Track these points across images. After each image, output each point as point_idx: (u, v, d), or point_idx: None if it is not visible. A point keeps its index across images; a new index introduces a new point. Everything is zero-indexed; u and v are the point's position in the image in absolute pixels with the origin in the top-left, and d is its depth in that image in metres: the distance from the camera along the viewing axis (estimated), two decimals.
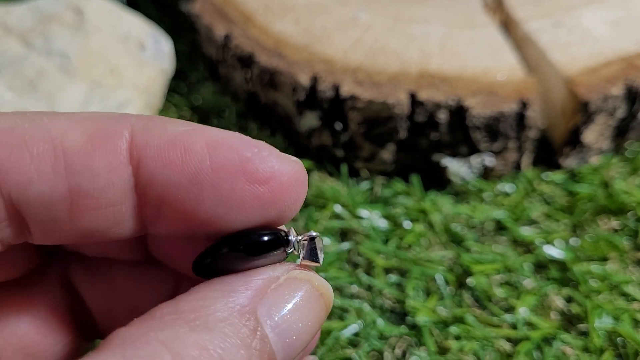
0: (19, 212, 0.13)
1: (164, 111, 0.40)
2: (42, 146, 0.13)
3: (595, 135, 0.34)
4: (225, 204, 0.13)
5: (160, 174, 0.13)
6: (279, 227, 0.14)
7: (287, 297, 0.14)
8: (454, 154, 0.34)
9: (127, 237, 0.14)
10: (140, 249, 0.18)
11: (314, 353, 0.28)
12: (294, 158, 0.14)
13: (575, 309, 0.30)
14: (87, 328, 0.19)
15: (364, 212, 0.33)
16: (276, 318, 0.13)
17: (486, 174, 0.35)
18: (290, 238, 0.14)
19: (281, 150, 0.14)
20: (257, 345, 0.13)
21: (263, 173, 0.13)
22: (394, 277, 0.31)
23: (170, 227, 0.14)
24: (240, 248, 0.13)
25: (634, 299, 0.30)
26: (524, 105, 0.32)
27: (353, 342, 0.29)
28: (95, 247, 0.18)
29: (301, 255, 0.14)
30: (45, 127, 0.13)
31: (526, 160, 0.35)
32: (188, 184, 0.13)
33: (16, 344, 0.17)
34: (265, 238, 0.13)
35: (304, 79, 0.33)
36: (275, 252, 0.14)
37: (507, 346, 0.29)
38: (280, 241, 0.14)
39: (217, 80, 0.42)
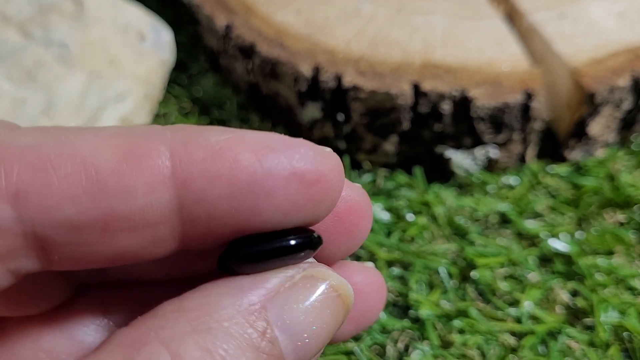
0: (42, 239, 0.12)
1: (164, 102, 0.40)
2: (71, 166, 0.12)
3: (601, 127, 0.34)
4: (281, 210, 0.13)
5: (210, 190, 0.12)
6: (309, 227, 0.14)
7: (301, 296, 0.13)
8: (458, 146, 0.33)
9: (162, 255, 0.14)
10: (177, 268, 0.17)
11: None
12: (329, 149, 0.14)
13: (580, 302, 0.29)
14: None
15: None
16: (288, 319, 0.13)
17: (490, 166, 0.34)
18: (318, 238, 0.14)
19: None
20: (265, 348, 0.12)
21: (314, 173, 0.13)
22: (396, 270, 0.31)
23: (219, 240, 0.13)
24: (266, 251, 0.13)
25: None
26: (529, 96, 0.32)
27: (355, 336, 0.28)
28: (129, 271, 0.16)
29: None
30: (72, 144, 0.12)
31: (531, 153, 0.35)
32: (242, 195, 0.12)
33: None
34: (293, 242, 0.13)
35: (306, 70, 0.33)
36: (302, 254, 0.13)
37: (511, 340, 0.28)
38: (311, 243, 0.13)
39: (218, 72, 0.42)
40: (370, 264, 0.16)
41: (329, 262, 0.15)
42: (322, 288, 0.13)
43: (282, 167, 0.12)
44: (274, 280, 0.13)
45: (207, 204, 0.12)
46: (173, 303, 0.12)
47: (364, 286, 0.16)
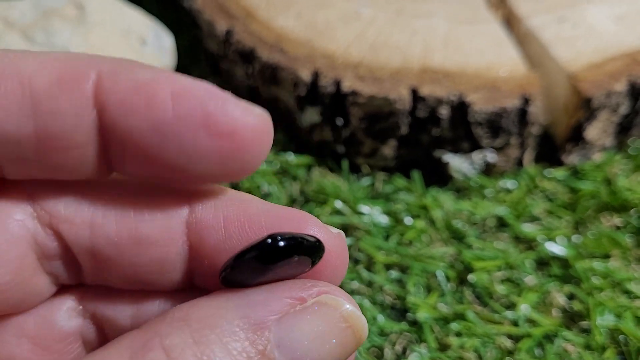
0: None
1: None
2: (11, 84, 0.13)
3: (598, 131, 0.34)
4: (186, 155, 0.13)
5: (124, 120, 0.13)
6: (308, 233, 0.13)
7: (309, 322, 0.13)
8: (456, 150, 0.34)
9: (92, 177, 0.14)
10: (184, 279, 0.16)
11: None
12: (260, 110, 0.13)
13: (577, 306, 0.30)
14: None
15: (364, 208, 0.33)
16: (291, 343, 0.12)
17: (488, 170, 0.34)
18: (316, 243, 0.13)
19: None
20: None
21: (225, 126, 0.13)
22: (394, 274, 0.31)
23: (135, 170, 0.14)
24: (255, 255, 0.12)
25: (637, 297, 0.30)
26: (527, 100, 0.32)
27: None
28: (128, 282, 0.16)
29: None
30: (15, 65, 0.13)
31: (528, 157, 0.35)
32: (150, 132, 0.13)
33: None
34: (282, 243, 0.12)
35: (305, 74, 0.33)
36: (296, 259, 0.13)
37: (508, 343, 0.28)
38: (301, 247, 0.13)
39: (218, 76, 0.42)
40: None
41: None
42: (332, 316, 0.13)
43: (193, 114, 0.13)
44: (284, 301, 0.13)
45: (120, 132, 0.13)
46: (182, 310, 0.13)
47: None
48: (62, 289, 0.17)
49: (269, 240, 0.12)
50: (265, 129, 0.13)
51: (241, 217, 0.14)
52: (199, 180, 0.14)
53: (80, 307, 0.17)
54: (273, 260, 0.12)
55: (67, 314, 0.16)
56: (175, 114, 0.13)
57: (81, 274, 0.15)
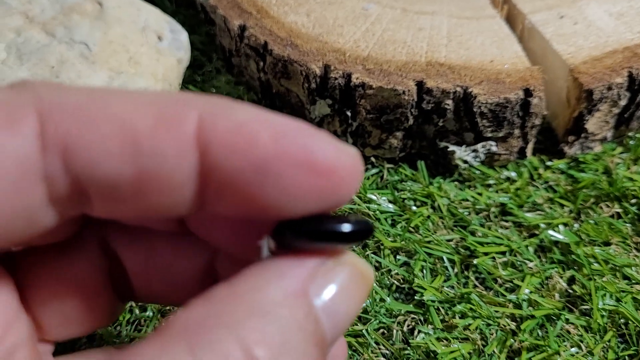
0: (84, 190, 0.13)
1: None
2: (112, 127, 0.13)
3: (598, 123, 0.35)
4: (286, 193, 0.13)
5: (226, 161, 0.13)
6: (365, 218, 0.15)
7: (334, 280, 0.14)
8: (460, 141, 0.35)
9: (184, 215, 0.15)
10: (178, 223, 0.18)
11: None
12: (353, 149, 0.14)
13: (578, 290, 0.31)
14: (123, 290, 0.19)
15: (372, 197, 0.34)
16: (326, 300, 0.14)
17: (491, 160, 0.36)
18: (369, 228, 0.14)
19: None
20: (311, 328, 0.13)
21: (325, 166, 0.13)
22: (401, 258, 0.32)
23: (229, 209, 0.14)
24: (331, 233, 0.14)
25: (637, 282, 0.31)
26: (529, 93, 0.33)
27: (362, 320, 0.30)
28: (135, 218, 0.18)
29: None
30: (115, 106, 0.13)
31: (530, 148, 0.36)
32: (252, 172, 0.13)
33: (56, 306, 0.17)
34: (360, 232, 0.14)
35: (316, 68, 0.35)
36: (357, 244, 0.14)
37: (511, 325, 0.30)
38: (368, 233, 0.14)
39: (231, 71, 0.43)
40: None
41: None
42: (351, 272, 0.15)
43: (295, 153, 0.13)
44: (310, 264, 0.14)
45: (221, 173, 0.13)
46: (225, 288, 0.13)
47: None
48: (81, 231, 0.18)
49: (357, 229, 0.14)
50: (359, 168, 0.14)
51: (251, 128, 0.13)
52: (287, 216, 0.14)
53: (99, 247, 0.18)
54: (345, 239, 0.14)
55: (88, 253, 0.18)
56: (277, 153, 0.13)
57: (90, 204, 0.14)
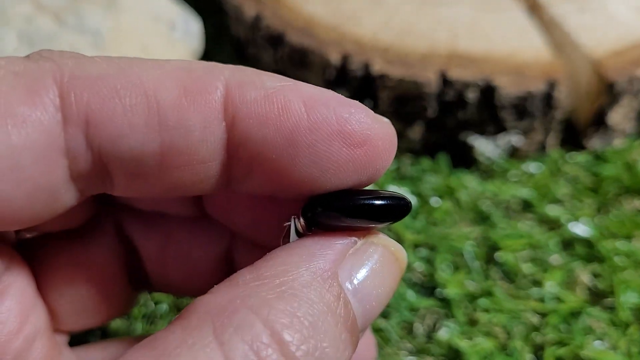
0: (106, 166, 0.13)
1: None
2: (135, 98, 0.12)
3: (620, 117, 0.35)
4: (320, 165, 0.13)
5: (256, 132, 0.12)
6: (401, 194, 0.14)
7: (365, 261, 0.13)
8: (481, 133, 0.34)
9: (210, 193, 0.14)
10: (195, 206, 0.18)
11: None
12: (386, 119, 0.13)
13: (601, 284, 0.30)
14: (138, 278, 0.19)
15: (392, 189, 0.34)
16: (356, 283, 0.13)
17: (512, 153, 0.35)
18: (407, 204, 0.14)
19: None
20: (341, 312, 0.12)
21: (360, 136, 0.13)
22: (423, 252, 0.32)
23: (259, 186, 0.13)
24: (365, 208, 0.13)
25: None
26: (551, 85, 0.33)
27: (384, 314, 0.29)
28: (150, 202, 0.18)
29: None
30: (137, 76, 0.12)
31: (551, 141, 0.36)
32: (284, 143, 0.12)
33: (72, 294, 0.17)
34: (397, 208, 0.13)
35: (335, 58, 0.34)
36: (391, 222, 0.13)
37: (535, 319, 0.29)
38: (404, 209, 0.13)
39: (244, 61, 0.43)
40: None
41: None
42: (382, 253, 0.14)
43: (329, 122, 0.12)
44: (339, 245, 0.13)
45: (251, 145, 0.13)
46: (251, 272, 0.13)
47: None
48: (98, 217, 0.17)
49: (395, 204, 0.13)
50: (393, 137, 0.13)
51: (281, 97, 0.13)
52: (318, 191, 0.13)
53: (116, 233, 0.18)
54: (380, 217, 0.13)
55: (104, 240, 0.17)
56: (310, 122, 0.12)
57: (112, 182, 0.13)
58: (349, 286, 0.13)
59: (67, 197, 0.13)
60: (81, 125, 0.12)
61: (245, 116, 0.12)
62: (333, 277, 0.13)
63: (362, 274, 0.13)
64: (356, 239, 0.14)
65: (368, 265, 0.13)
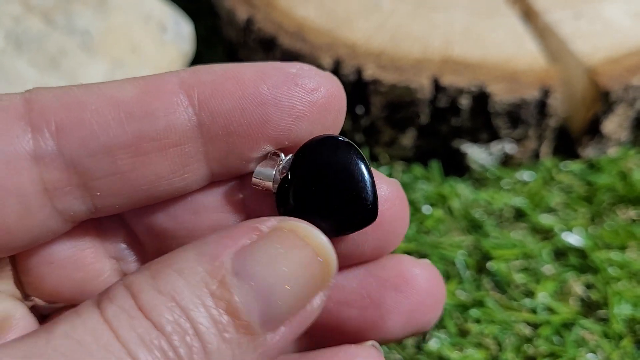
0: (82, 173, 0.14)
1: None
2: (99, 101, 0.14)
3: (614, 125, 0.34)
4: (289, 116, 0.14)
5: (222, 106, 0.14)
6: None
7: (265, 248, 0.13)
8: (475, 141, 0.34)
9: (197, 185, 0.15)
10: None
11: None
12: (327, 72, 0.15)
13: (594, 295, 0.30)
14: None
15: None
16: (248, 269, 0.13)
17: (505, 161, 0.35)
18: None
19: None
20: (218, 293, 0.12)
21: (313, 82, 0.14)
22: None
23: (240, 162, 0.15)
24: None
25: None
26: (546, 93, 0.32)
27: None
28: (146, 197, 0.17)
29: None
30: (97, 87, 0.14)
31: (545, 149, 0.35)
32: (251, 106, 0.14)
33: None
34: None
35: (327, 63, 0.34)
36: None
37: (527, 330, 0.29)
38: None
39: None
40: (426, 261, 0.16)
41: (372, 258, 0.16)
42: (289, 239, 0.13)
43: (283, 77, 0.14)
44: (241, 231, 0.13)
45: (221, 119, 0.14)
46: (153, 262, 0.13)
47: (424, 281, 0.16)
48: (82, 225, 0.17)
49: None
50: (340, 87, 0.15)
51: (233, 73, 0.14)
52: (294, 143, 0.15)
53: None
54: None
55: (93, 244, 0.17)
56: (268, 83, 0.14)
57: (94, 195, 0.14)
58: (240, 273, 0.12)
59: (44, 214, 0.14)
60: (50, 132, 0.13)
61: (208, 96, 0.14)
62: (220, 261, 0.13)
63: (255, 260, 0.13)
64: (261, 225, 0.13)
65: (266, 252, 0.13)
